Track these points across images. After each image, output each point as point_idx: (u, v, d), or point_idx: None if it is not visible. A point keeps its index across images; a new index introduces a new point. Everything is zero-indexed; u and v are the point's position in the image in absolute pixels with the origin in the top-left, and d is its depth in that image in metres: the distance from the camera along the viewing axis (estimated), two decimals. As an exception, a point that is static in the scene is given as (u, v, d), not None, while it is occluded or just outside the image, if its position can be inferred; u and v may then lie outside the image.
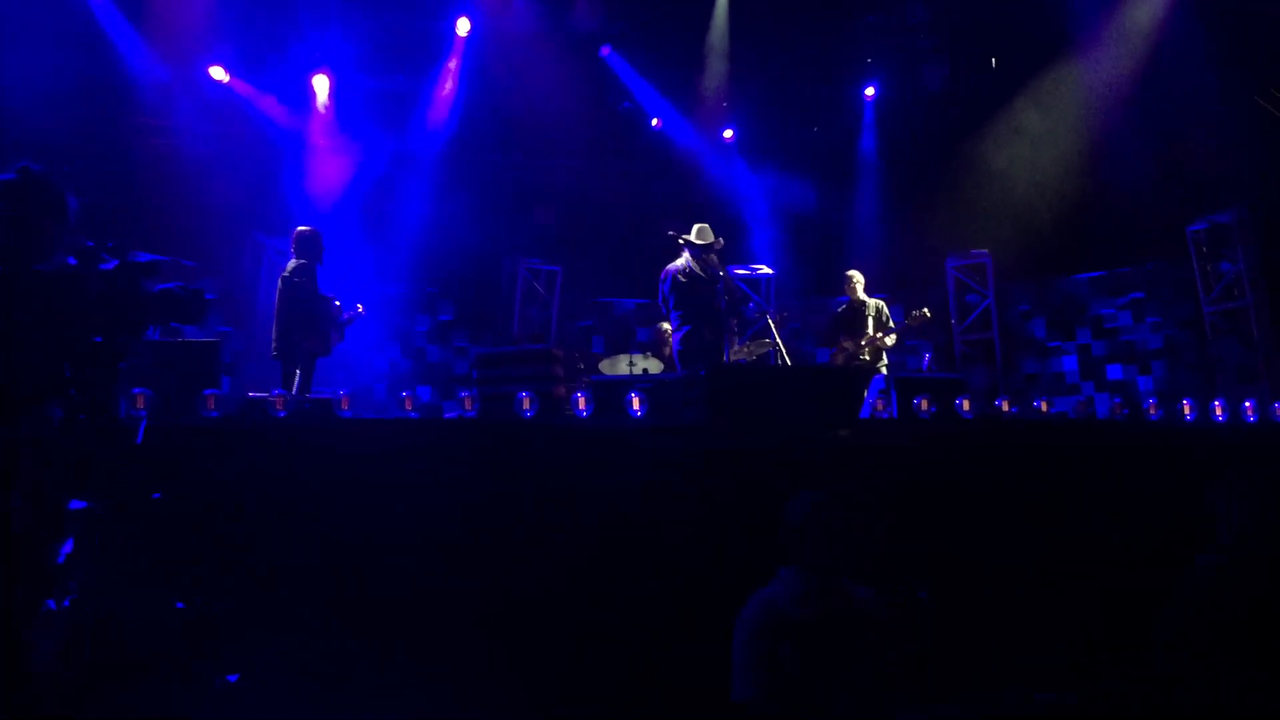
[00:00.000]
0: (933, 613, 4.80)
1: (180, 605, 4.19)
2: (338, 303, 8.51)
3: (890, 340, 9.47)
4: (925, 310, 9.37)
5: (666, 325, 8.64)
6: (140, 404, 4.90)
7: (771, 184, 13.53)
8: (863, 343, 9.44)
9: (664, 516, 5.12)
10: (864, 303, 9.65)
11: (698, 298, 8.19)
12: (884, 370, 9.44)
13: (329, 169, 11.80)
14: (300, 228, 8.38)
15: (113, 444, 4.07)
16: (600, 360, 10.36)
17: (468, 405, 6.09)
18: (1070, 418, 7.37)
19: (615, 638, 4.89)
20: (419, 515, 4.83)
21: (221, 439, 4.88)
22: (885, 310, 9.68)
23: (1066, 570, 5.55)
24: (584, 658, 4.83)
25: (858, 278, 9.76)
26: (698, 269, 8.22)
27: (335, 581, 4.65)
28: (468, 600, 4.79)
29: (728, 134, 13.78)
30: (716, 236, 8.32)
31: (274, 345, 8.14)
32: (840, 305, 10.11)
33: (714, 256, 8.29)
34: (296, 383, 7.91)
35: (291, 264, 8.24)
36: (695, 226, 8.35)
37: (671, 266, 8.32)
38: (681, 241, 8.31)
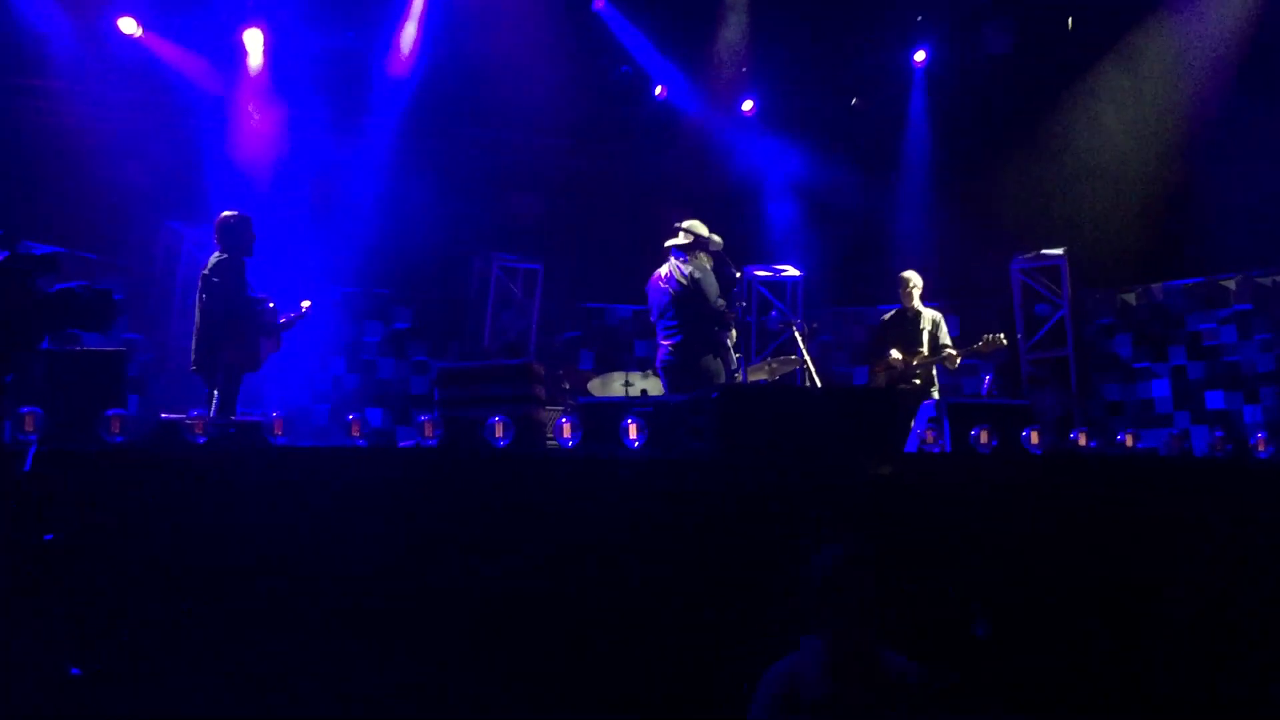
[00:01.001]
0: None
1: (75, 671, 4.20)
2: (272, 304, 8.51)
3: (955, 363, 9.51)
4: (1000, 336, 9.40)
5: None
6: (29, 425, 4.90)
7: (800, 167, 13.57)
8: (915, 363, 9.46)
9: (665, 572, 5.13)
10: (919, 313, 9.69)
11: (679, 311, 8.46)
12: (935, 395, 9.46)
13: (261, 144, 11.82)
14: (224, 213, 8.40)
15: (-3, 474, 4.10)
16: (589, 379, 10.37)
17: (428, 432, 6.08)
18: (1161, 455, 7.37)
19: (605, 704, 4.89)
20: (366, 568, 4.84)
21: (128, 469, 4.88)
22: (942, 324, 9.72)
23: (1158, 644, 5.55)
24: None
25: (915, 280, 9.79)
26: (677, 277, 8.51)
27: (263, 646, 4.65)
28: (425, 685, 4.79)
29: (747, 106, 13.83)
30: (710, 234, 8.50)
31: (193, 356, 8.16)
32: (887, 313, 10.13)
33: (704, 257, 8.47)
34: (216, 403, 7.92)
35: (213, 258, 8.24)
36: (682, 226, 8.58)
37: (657, 274, 8.68)
38: (666, 245, 8.60)
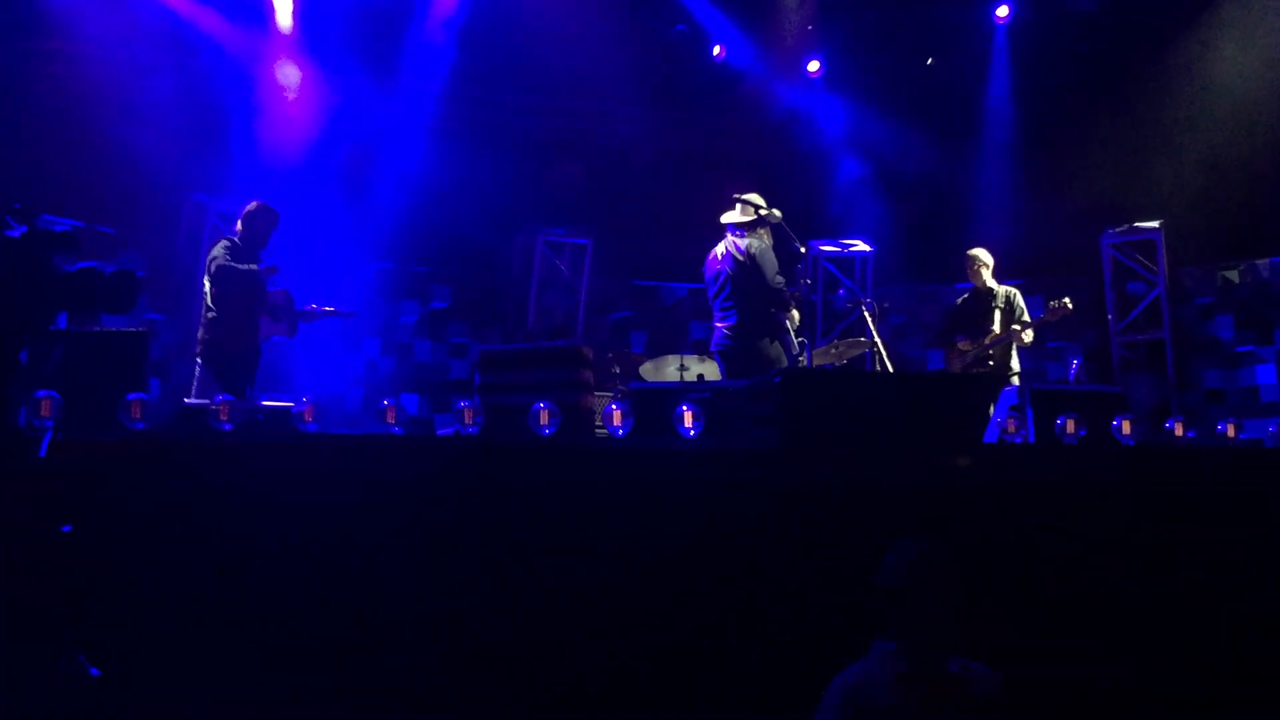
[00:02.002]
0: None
1: (95, 672, 4.25)
2: (286, 291, 8.68)
3: (1027, 337, 9.47)
4: (1065, 301, 9.37)
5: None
6: (46, 411, 4.96)
7: (870, 133, 13.49)
8: (987, 341, 9.43)
9: (723, 571, 5.11)
10: (991, 291, 9.69)
11: (735, 291, 8.55)
12: (1016, 380, 9.42)
13: (291, 112, 11.89)
14: (252, 204, 8.68)
15: (9, 461, 4.14)
16: (642, 362, 10.38)
17: (468, 419, 6.10)
18: (1267, 447, 7.26)
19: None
20: (400, 560, 4.86)
21: (149, 457, 4.93)
22: (1020, 301, 9.68)
23: (1265, 650, 5.47)
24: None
25: (984, 258, 9.78)
26: (734, 254, 8.59)
27: (289, 644, 4.68)
28: (459, 684, 4.81)
29: (813, 67, 13.75)
30: (770, 208, 8.53)
31: (198, 345, 8.47)
32: (961, 294, 10.08)
33: (765, 233, 8.53)
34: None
35: (221, 243, 8.59)
36: (738, 200, 8.62)
37: (715, 250, 8.78)
38: (722, 221, 8.69)
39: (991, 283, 9.75)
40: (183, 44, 11.45)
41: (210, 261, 8.46)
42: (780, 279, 8.47)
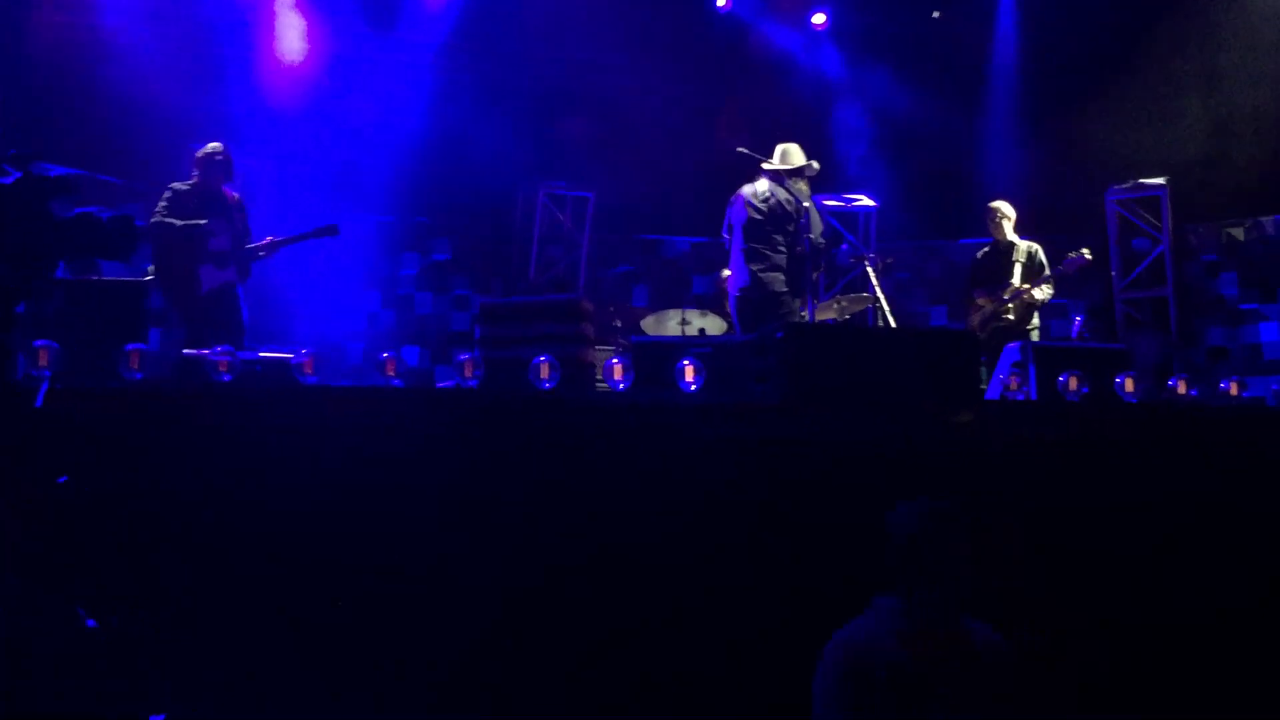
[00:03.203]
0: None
1: (92, 624, 4.24)
2: (204, 223, 8.51)
3: (1044, 293, 9.45)
4: (1085, 251, 9.32)
5: (727, 272, 8.72)
6: (44, 360, 4.94)
7: (876, 87, 13.40)
8: (1006, 296, 9.39)
9: (724, 525, 5.10)
10: (1013, 245, 9.64)
11: (772, 237, 8.36)
12: (1035, 335, 9.40)
13: (292, 63, 11.81)
14: (207, 147, 8.67)
15: (7, 411, 4.12)
16: (643, 316, 10.36)
17: (468, 372, 6.08)
18: (1270, 406, 7.25)
19: (659, 685, 4.88)
20: (400, 515, 4.85)
21: (147, 408, 4.92)
22: (1042, 257, 9.63)
23: (1269, 613, 5.47)
24: (616, 713, 4.84)
25: (1005, 211, 9.73)
26: (782, 200, 8.36)
27: (290, 596, 4.68)
28: (459, 630, 4.81)
29: (818, 19, 13.64)
30: (809, 160, 8.42)
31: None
32: (974, 249, 10.04)
33: (804, 185, 8.42)
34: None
35: (165, 193, 8.57)
36: (780, 148, 8.48)
37: (745, 190, 8.52)
38: (765, 167, 8.54)
39: (1013, 237, 9.68)
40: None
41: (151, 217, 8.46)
42: (823, 240, 8.40)
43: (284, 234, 8.69)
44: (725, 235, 8.76)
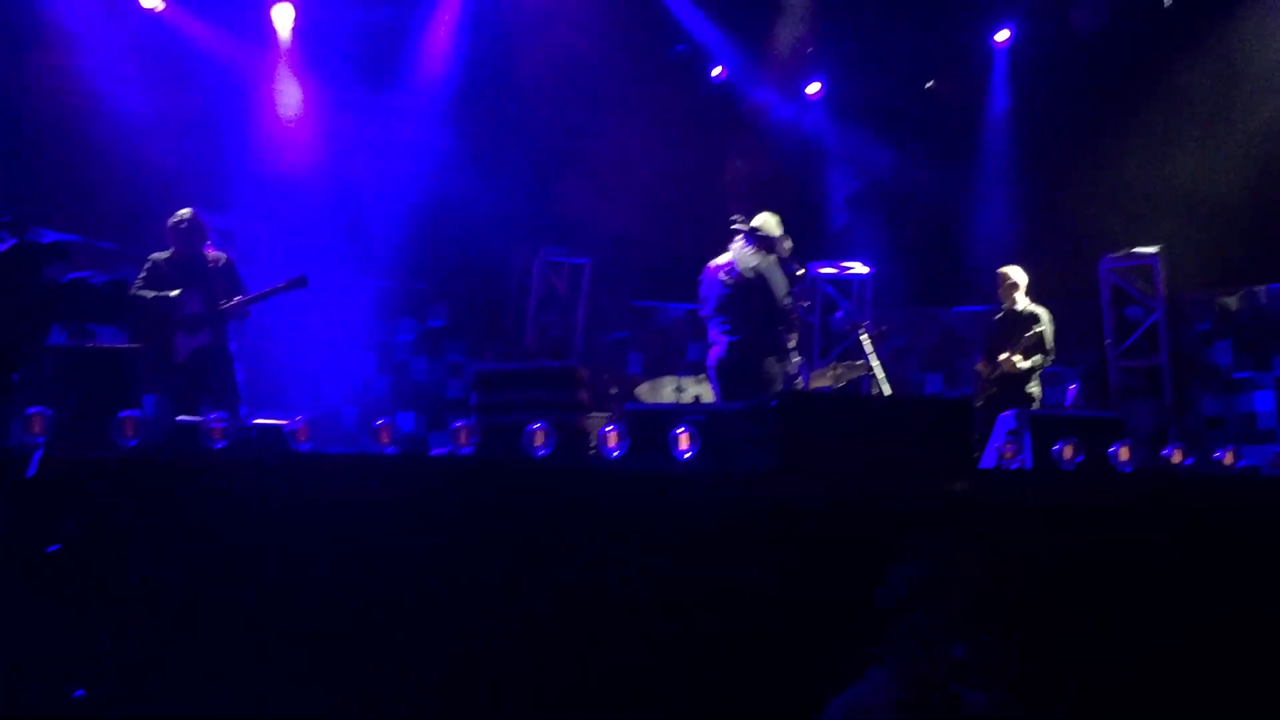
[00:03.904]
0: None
1: (80, 693, 4.21)
2: (174, 294, 8.58)
3: (1020, 362, 9.41)
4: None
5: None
6: (36, 427, 4.94)
7: (870, 156, 13.49)
8: (1000, 359, 9.39)
9: (718, 593, 5.08)
10: (1018, 314, 9.68)
11: (739, 306, 8.51)
12: (1036, 405, 9.37)
13: (290, 127, 11.89)
14: (180, 214, 8.79)
15: (-2, 479, 4.11)
16: (638, 383, 10.37)
17: (463, 439, 6.08)
18: (1264, 475, 7.24)
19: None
20: (392, 582, 4.83)
21: (140, 475, 4.90)
22: (1043, 324, 9.64)
23: (1263, 683, 5.44)
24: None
25: (1013, 276, 9.77)
26: (742, 270, 8.56)
27: (280, 665, 4.65)
28: (452, 699, 4.77)
29: (813, 89, 13.77)
30: (784, 233, 8.51)
31: None
32: (995, 314, 10.05)
33: (770, 256, 8.51)
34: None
35: (146, 264, 8.70)
36: (761, 215, 8.57)
37: (711, 265, 8.76)
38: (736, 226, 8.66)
39: (1023, 303, 9.68)
40: (183, 61, 11.44)
41: None
42: (789, 299, 8.46)
43: (254, 291, 8.74)
44: (700, 309, 8.84)
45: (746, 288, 8.48)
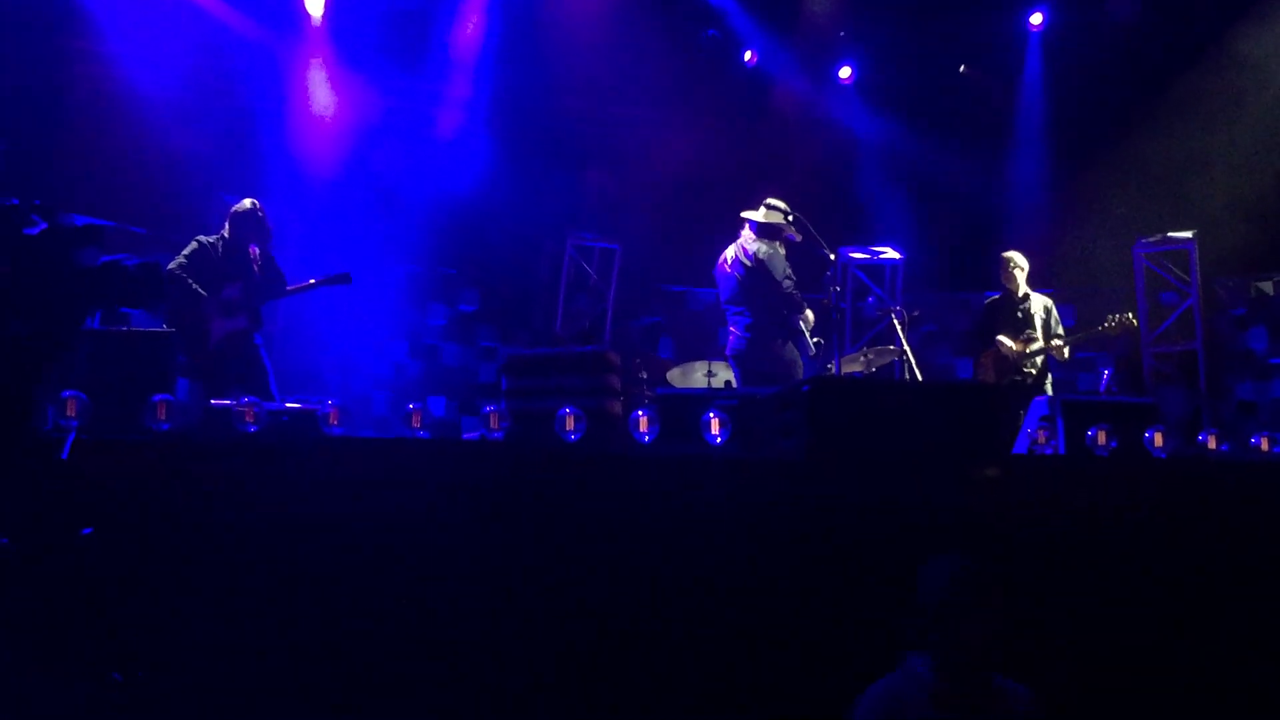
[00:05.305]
0: None
1: (117, 676, 4.23)
2: (245, 284, 8.56)
3: (1068, 353, 9.39)
4: (1130, 315, 9.26)
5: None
6: (71, 411, 4.96)
7: (901, 141, 13.42)
8: (1030, 350, 9.33)
9: (750, 581, 5.07)
10: (1026, 296, 9.58)
11: (751, 294, 8.69)
12: (1049, 390, 9.34)
13: (320, 112, 11.90)
14: (243, 204, 8.62)
15: (33, 462, 4.12)
16: (669, 368, 10.35)
17: (493, 423, 6.08)
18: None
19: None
20: (424, 566, 4.84)
21: (173, 459, 4.92)
22: (1054, 311, 9.58)
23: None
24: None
25: (1018, 261, 9.68)
26: (743, 258, 8.72)
27: (312, 648, 4.66)
28: (482, 683, 4.78)
29: (845, 73, 13.71)
30: (787, 217, 8.58)
31: None
32: (991, 298, 10.00)
33: (779, 244, 8.53)
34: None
35: (192, 244, 8.51)
36: (765, 204, 8.75)
37: (721, 256, 8.92)
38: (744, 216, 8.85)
39: (1026, 288, 9.63)
40: (215, 45, 11.44)
41: None
42: (790, 281, 8.54)
43: (297, 282, 8.70)
44: (721, 301, 8.98)
45: (749, 275, 8.65)
